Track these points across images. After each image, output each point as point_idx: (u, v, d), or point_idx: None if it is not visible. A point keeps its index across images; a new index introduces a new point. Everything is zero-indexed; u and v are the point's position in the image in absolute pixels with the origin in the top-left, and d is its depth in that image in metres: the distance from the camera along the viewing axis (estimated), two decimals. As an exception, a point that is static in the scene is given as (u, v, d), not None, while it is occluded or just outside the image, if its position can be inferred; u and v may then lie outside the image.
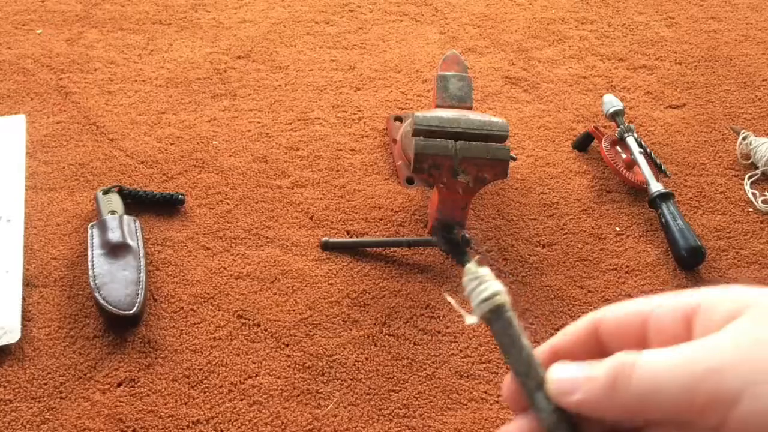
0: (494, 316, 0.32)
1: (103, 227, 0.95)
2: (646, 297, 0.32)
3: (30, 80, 1.22)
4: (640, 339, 0.32)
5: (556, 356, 0.33)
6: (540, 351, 0.33)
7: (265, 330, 0.90)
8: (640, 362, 0.29)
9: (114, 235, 0.94)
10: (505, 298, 0.32)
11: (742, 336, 0.28)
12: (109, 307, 0.87)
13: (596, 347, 0.33)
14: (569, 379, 0.31)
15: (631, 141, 1.12)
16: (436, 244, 0.96)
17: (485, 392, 0.86)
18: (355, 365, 0.88)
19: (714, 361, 0.27)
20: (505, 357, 0.32)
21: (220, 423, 0.82)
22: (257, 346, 0.89)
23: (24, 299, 0.91)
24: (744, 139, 1.18)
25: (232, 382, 0.85)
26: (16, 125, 1.13)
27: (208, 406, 0.83)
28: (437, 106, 1.03)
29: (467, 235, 0.97)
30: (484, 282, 0.33)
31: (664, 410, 0.28)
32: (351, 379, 0.86)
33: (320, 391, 0.85)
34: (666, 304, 0.32)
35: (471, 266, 0.33)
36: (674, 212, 1.03)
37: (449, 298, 0.31)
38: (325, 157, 1.12)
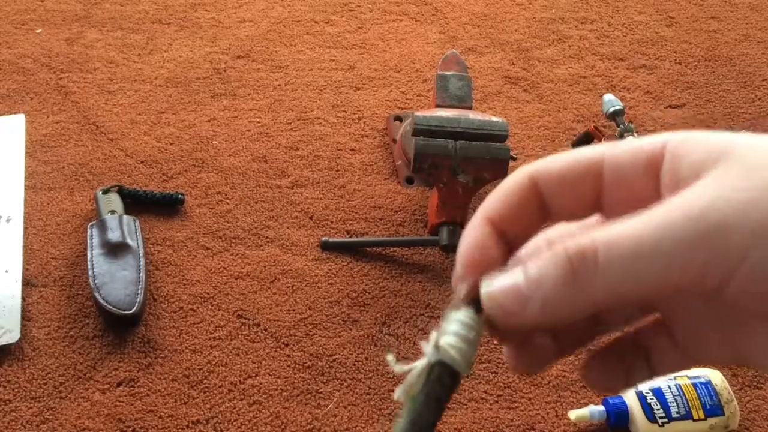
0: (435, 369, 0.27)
1: (102, 227, 0.95)
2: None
3: (29, 80, 1.21)
4: (593, 195, 0.27)
5: (493, 226, 0.28)
6: (473, 224, 0.28)
7: (265, 330, 0.90)
8: (603, 241, 0.24)
9: (114, 235, 0.94)
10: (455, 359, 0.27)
11: (736, 182, 0.23)
12: (109, 306, 0.87)
13: (539, 211, 0.28)
14: (510, 292, 0.25)
15: (631, 141, 1.12)
16: (436, 243, 0.96)
17: (485, 392, 0.86)
18: (355, 365, 0.88)
19: (711, 218, 0.23)
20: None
21: (220, 423, 0.82)
22: (257, 346, 0.89)
23: (24, 299, 0.91)
24: (744, 139, 1.18)
25: (231, 382, 0.85)
26: (15, 125, 1.13)
27: (208, 405, 0.83)
28: (437, 106, 1.03)
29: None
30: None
31: (645, 291, 0.24)
32: (351, 379, 0.86)
33: (320, 391, 0.85)
34: (623, 146, 0.26)
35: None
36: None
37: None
38: (324, 156, 1.12)
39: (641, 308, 0.29)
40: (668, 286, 0.23)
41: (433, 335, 0.27)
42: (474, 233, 0.28)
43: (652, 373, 0.29)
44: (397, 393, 0.26)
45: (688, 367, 0.29)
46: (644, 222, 0.24)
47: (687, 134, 0.25)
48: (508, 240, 0.28)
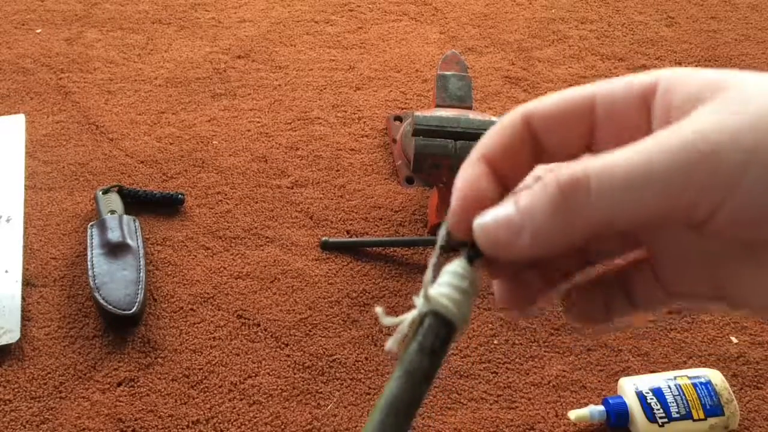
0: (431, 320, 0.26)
1: (102, 227, 0.95)
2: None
3: (29, 80, 1.21)
4: (585, 132, 0.27)
5: (488, 164, 0.28)
6: (468, 162, 0.28)
7: (265, 330, 0.90)
8: (595, 169, 0.23)
9: (114, 235, 0.94)
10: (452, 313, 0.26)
11: (731, 110, 0.23)
12: (109, 306, 0.87)
13: (534, 149, 0.28)
14: (502, 223, 0.25)
15: (631, 141, 1.12)
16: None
17: (485, 392, 0.86)
18: (355, 365, 0.88)
19: (704, 144, 0.22)
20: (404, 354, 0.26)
21: (220, 423, 0.82)
22: (257, 346, 0.89)
23: (24, 299, 0.91)
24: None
25: (231, 382, 0.85)
26: (15, 125, 1.13)
27: (208, 405, 0.83)
28: (437, 106, 1.03)
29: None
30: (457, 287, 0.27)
31: (636, 219, 0.23)
32: (351, 379, 0.86)
33: (320, 391, 0.85)
34: (615, 82, 0.26)
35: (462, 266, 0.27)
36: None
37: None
38: (324, 156, 1.12)
39: (627, 242, 0.29)
40: (659, 215, 0.23)
41: (424, 287, 0.26)
42: (469, 171, 0.28)
43: (632, 308, 0.29)
44: (389, 344, 0.26)
45: (667, 303, 0.28)
46: (637, 151, 0.23)
47: (679, 70, 0.25)
48: (503, 179, 0.28)
